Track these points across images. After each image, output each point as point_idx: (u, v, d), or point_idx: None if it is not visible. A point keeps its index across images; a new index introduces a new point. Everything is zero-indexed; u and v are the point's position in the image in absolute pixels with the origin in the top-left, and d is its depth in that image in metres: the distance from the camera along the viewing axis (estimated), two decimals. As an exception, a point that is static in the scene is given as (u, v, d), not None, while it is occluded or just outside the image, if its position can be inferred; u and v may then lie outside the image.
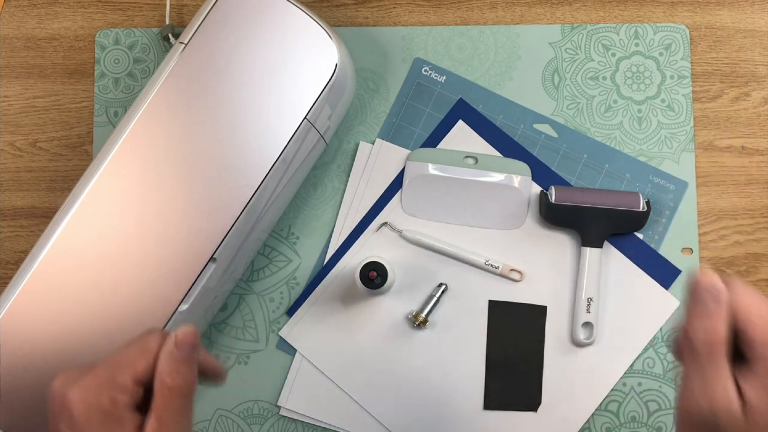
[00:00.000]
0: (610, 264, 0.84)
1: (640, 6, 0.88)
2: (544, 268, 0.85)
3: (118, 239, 0.74)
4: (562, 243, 0.85)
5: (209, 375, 0.62)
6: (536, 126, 0.87)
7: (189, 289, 0.75)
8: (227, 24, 0.76)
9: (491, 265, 0.84)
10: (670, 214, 0.86)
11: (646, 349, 0.84)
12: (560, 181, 0.86)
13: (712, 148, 0.87)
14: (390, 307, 0.84)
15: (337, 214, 0.86)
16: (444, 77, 0.87)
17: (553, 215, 0.83)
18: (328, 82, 0.77)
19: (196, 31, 0.76)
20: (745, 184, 0.86)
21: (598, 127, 0.87)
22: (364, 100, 0.87)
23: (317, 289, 0.85)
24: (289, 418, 0.84)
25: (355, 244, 0.85)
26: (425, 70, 0.87)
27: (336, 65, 0.77)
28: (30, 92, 0.88)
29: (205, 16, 0.76)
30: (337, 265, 0.85)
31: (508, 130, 0.86)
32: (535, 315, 0.84)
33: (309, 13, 0.77)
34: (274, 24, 0.77)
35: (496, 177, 0.85)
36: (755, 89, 0.87)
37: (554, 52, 0.88)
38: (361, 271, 0.78)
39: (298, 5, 0.77)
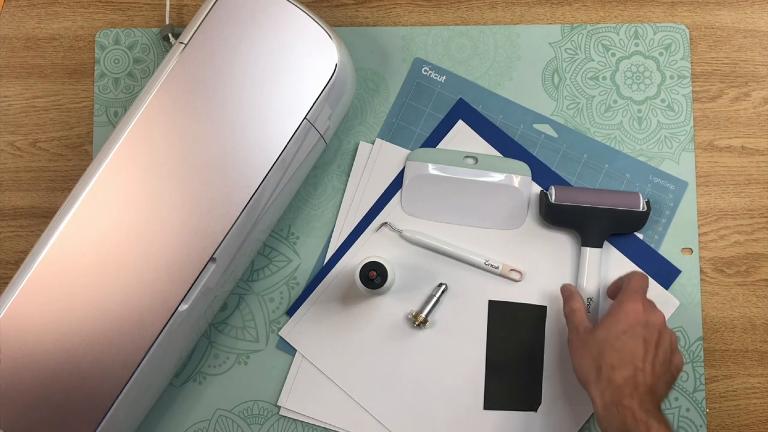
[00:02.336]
0: (610, 264, 0.84)
1: (640, 6, 0.88)
2: (544, 268, 0.85)
3: (117, 239, 0.74)
4: (562, 243, 0.85)
5: None
6: (536, 126, 0.87)
7: (189, 289, 0.75)
8: (227, 24, 0.76)
9: (491, 265, 0.84)
10: (670, 214, 0.86)
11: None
12: (560, 181, 0.86)
13: (712, 148, 0.87)
14: (390, 307, 0.84)
15: (337, 214, 0.86)
16: (444, 77, 0.87)
17: (553, 215, 0.83)
18: (328, 82, 0.77)
19: (196, 31, 0.76)
20: (745, 184, 0.86)
21: (598, 127, 0.87)
22: (364, 100, 0.87)
23: (317, 289, 0.85)
24: (289, 418, 0.84)
25: (355, 244, 0.85)
26: (425, 70, 0.87)
27: (336, 65, 0.77)
28: (30, 92, 0.88)
29: (205, 16, 0.76)
30: (337, 265, 0.85)
31: (508, 130, 0.86)
32: (535, 315, 0.84)
33: (309, 13, 0.77)
34: (274, 24, 0.77)
35: (496, 177, 0.85)
36: (755, 89, 0.87)
37: (554, 52, 0.88)
38: (361, 271, 0.78)
39: (298, 5, 0.77)
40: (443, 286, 0.84)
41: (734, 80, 0.87)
